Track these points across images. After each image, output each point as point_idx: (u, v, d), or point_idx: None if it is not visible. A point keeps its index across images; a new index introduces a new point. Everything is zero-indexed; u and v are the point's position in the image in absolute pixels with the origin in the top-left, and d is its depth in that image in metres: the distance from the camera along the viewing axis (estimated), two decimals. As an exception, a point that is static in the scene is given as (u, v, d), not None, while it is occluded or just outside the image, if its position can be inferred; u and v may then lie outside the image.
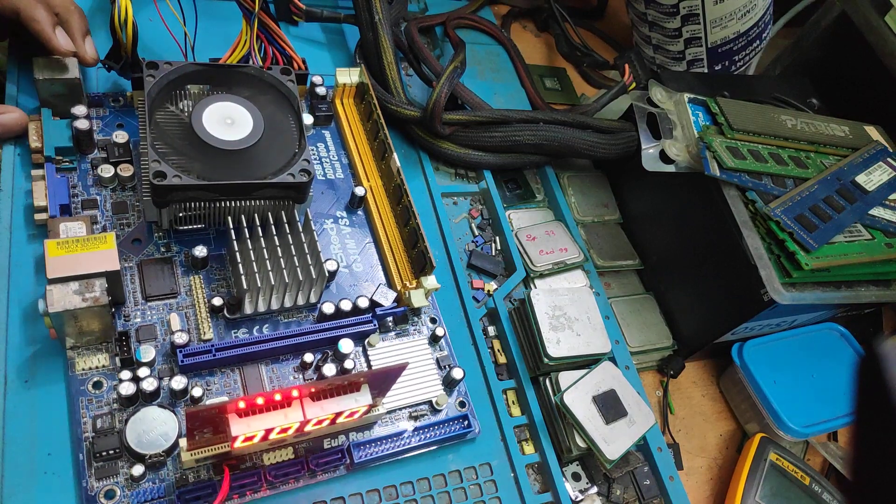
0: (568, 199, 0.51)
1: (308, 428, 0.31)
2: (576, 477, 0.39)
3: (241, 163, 0.35)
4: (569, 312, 0.41)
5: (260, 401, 0.28)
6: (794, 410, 0.44)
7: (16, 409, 0.31)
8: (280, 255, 0.34)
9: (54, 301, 0.30)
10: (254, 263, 0.33)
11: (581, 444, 0.38)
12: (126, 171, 0.37)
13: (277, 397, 0.29)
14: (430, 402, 0.37)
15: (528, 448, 0.39)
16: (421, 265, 0.38)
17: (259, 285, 0.33)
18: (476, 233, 0.48)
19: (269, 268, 0.34)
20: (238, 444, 0.29)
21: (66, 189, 0.36)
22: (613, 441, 0.37)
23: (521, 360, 0.42)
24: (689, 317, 0.48)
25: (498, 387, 0.40)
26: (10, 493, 0.29)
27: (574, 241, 0.48)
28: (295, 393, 0.29)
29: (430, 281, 0.38)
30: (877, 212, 0.45)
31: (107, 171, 0.37)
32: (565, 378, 0.40)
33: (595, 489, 0.39)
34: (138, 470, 0.30)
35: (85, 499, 0.29)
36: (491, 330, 0.43)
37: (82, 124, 0.36)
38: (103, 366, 0.32)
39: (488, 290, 0.45)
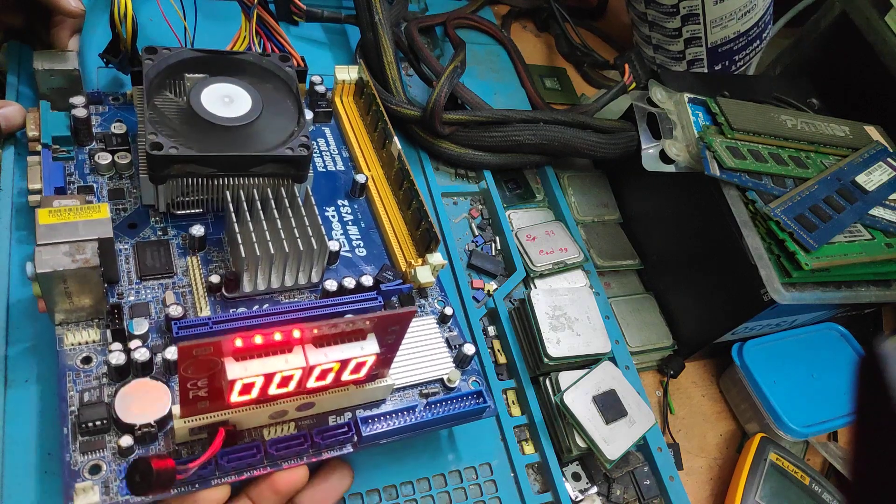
0: (568, 199, 0.52)
1: (311, 384, 0.29)
2: (576, 477, 0.39)
3: (240, 139, 0.35)
4: (569, 312, 0.41)
5: (258, 339, 0.26)
6: (794, 410, 0.44)
7: (16, 408, 0.31)
8: (280, 227, 0.33)
9: (43, 261, 0.28)
10: (252, 234, 0.32)
11: (581, 444, 0.38)
12: (123, 158, 0.36)
13: (277, 336, 0.27)
14: (441, 381, 0.36)
15: (528, 448, 0.39)
16: (426, 243, 0.37)
17: (258, 254, 0.32)
18: (476, 233, 0.48)
19: (269, 239, 0.32)
20: (235, 396, 0.27)
21: (61, 174, 0.35)
22: (613, 441, 0.38)
23: (521, 360, 0.42)
24: (689, 317, 0.48)
25: (498, 387, 0.40)
26: (9, 493, 0.29)
27: (574, 241, 0.48)
28: (296, 334, 0.27)
29: (436, 257, 0.37)
30: (877, 212, 0.45)
31: (104, 157, 0.36)
32: (565, 378, 0.40)
33: (595, 489, 0.39)
34: (126, 441, 0.28)
35: (68, 474, 0.27)
36: (491, 330, 0.43)
37: (80, 112, 0.35)
38: (94, 341, 0.31)
39: (488, 290, 0.45)
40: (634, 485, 0.40)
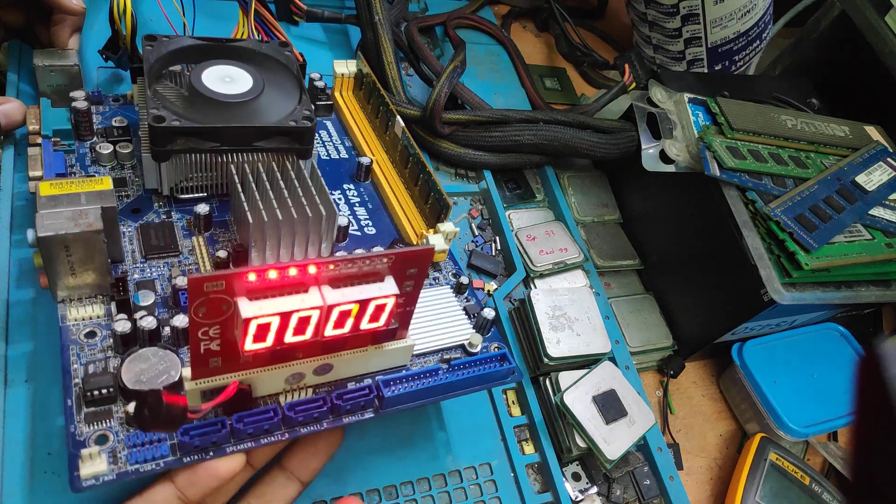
0: (568, 199, 0.51)
1: (329, 332, 0.28)
2: (576, 477, 0.39)
3: (242, 114, 0.34)
4: (569, 312, 0.41)
5: (273, 274, 0.25)
6: (794, 410, 0.44)
7: (15, 408, 0.31)
8: (286, 196, 0.32)
9: (44, 225, 0.27)
10: (259, 202, 0.32)
11: (581, 444, 0.38)
12: (125, 148, 0.36)
13: (293, 272, 0.26)
14: (462, 347, 0.35)
15: (528, 448, 0.39)
16: (437, 213, 0.37)
17: (265, 220, 0.31)
18: (476, 233, 0.48)
19: (276, 207, 0.32)
20: (249, 342, 0.26)
21: (62, 162, 0.34)
22: (613, 441, 0.38)
23: (521, 360, 0.42)
24: (689, 317, 0.48)
25: (498, 387, 0.40)
26: (10, 493, 0.29)
27: (574, 241, 0.48)
28: (312, 269, 0.26)
29: (448, 226, 0.37)
30: (877, 212, 0.45)
31: (105, 148, 0.35)
32: (565, 378, 0.40)
33: (595, 489, 0.39)
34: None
35: (73, 445, 0.26)
36: (491, 330, 0.43)
37: (81, 104, 0.35)
38: (97, 316, 0.30)
39: (488, 290, 0.45)
40: (634, 485, 0.40)
